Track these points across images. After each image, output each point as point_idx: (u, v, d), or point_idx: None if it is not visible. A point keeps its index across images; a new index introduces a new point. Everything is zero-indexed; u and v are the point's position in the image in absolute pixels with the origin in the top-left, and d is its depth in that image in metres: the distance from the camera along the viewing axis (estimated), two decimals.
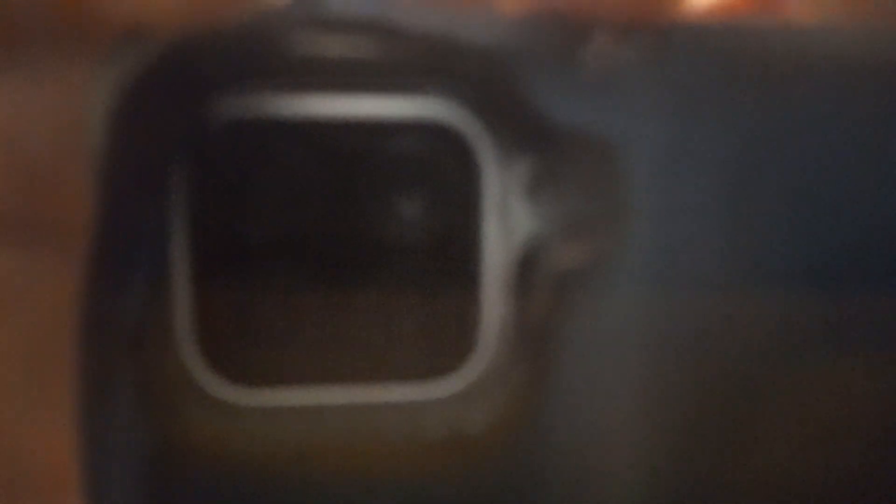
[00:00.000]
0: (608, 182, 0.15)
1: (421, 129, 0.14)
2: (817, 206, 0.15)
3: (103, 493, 0.14)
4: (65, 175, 0.14)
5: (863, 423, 0.16)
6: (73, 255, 0.13)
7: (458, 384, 0.15)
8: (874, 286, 0.15)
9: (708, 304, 0.15)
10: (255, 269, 0.14)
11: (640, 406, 0.15)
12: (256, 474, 0.14)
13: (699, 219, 0.15)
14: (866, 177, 0.15)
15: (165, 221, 0.14)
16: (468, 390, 0.15)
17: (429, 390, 0.15)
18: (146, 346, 0.14)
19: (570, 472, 0.15)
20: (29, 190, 0.14)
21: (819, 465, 0.16)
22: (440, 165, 0.14)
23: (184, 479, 0.14)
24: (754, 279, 0.15)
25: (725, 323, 0.15)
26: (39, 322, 0.14)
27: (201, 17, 0.13)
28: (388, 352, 0.15)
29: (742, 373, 0.15)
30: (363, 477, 0.15)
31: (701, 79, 0.15)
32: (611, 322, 0.15)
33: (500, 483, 0.15)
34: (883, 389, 0.16)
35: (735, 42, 0.15)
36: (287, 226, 0.14)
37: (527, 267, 0.15)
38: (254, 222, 0.14)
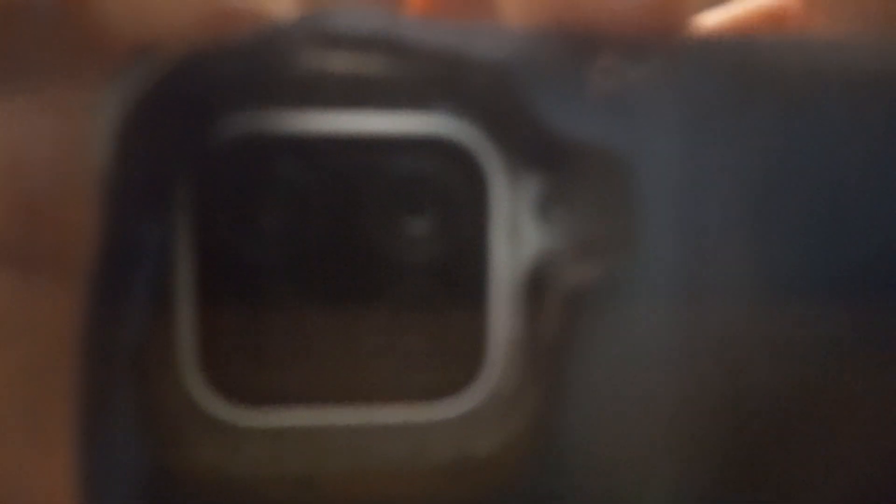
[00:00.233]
0: (618, 198, 0.15)
1: (428, 146, 0.14)
2: (836, 217, 0.15)
3: None
4: (67, 200, 0.14)
5: (893, 432, 0.16)
6: (75, 280, 0.13)
7: (466, 404, 0.15)
8: None
9: (730, 319, 0.15)
10: (260, 288, 0.14)
11: (661, 426, 0.15)
12: (259, 498, 0.14)
13: (717, 234, 0.15)
14: (884, 187, 0.15)
15: (169, 240, 0.14)
16: (476, 410, 0.15)
17: (436, 410, 0.15)
18: (148, 368, 0.14)
19: (585, 496, 0.15)
20: (30, 215, 0.14)
21: (849, 475, 0.16)
22: (448, 182, 0.14)
23: (184, 502, 0.14)
24: (776, 292, 0.15)
25: (748, 337, 0.15)
26: (40, 347, 0.14)
27: (206, 34, 0.13)
28: (395, 371, 0.15)
29: (767, 387, 0.15)
30: (368, 501, 0.15)
31: (712, 94, 0.15)
32: (629, 340, 0.15)
33: None
34: None
35: (746, 56, 0.15)
36: (292, 243, 0.14)
37: (536, 284, 0.15)
38: (258, 240, 0.14)
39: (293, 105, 0.14)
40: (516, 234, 0.14)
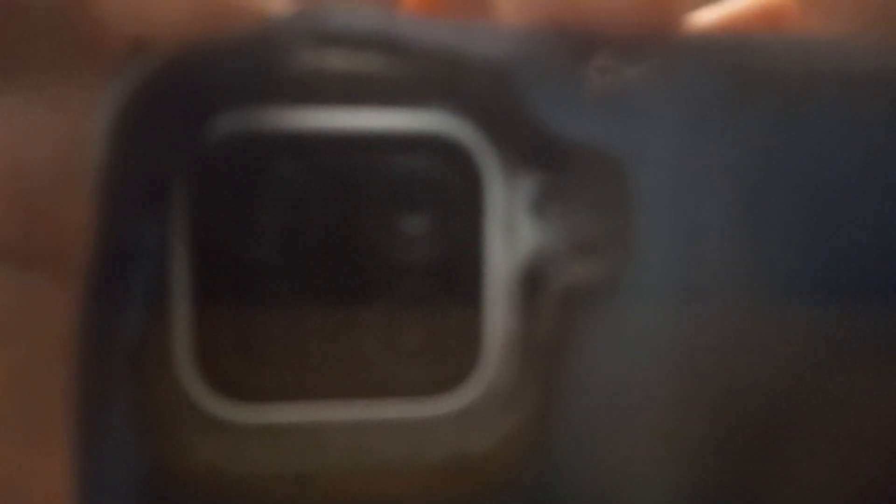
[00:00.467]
0: (615, 197, 0.15)
1: (425, 145, 0.14)
2: (835, 216, 0.15)
3: None
4: (65, 198, 0.14)
5: (893, 436, 0.16)
6: (73, 278, 0.13)
7: (462, 401, 0.15)
8: None
9: (727, 317, 0.15)
10: (256, 285, 0.14)
11: (659, 425, 0.15)
12: (257, 495, 0.14)
13: (714, 233, 0.15)
14: (882, 186, 0.15)
15: (165, 239, 0.14)
16: (472, 407, 0.15)
17: (432, 407, 0.15)
18: (145, 366, 0.14)
19: (582, 496, 0.15)
20: (29, 213, 0.14)
21: (848, 479, 0.16)
22: (444, 181, 0.14)
23: (182, 501, 0.14)
24: (773, 292, 0.15)
25: (745, 336, 0.15)
26: (38, 346, 0.14)
27: (203, 32, 0.13)
28: (391, 368, 0.15)
29: (765, 387, 0.15)
30: (365, 501, 0.15)
31: (709, 93, 0.15)
32: (625, 339, 0.15)
33: None
34: None
35: (744, 55, 0.15)
36: (289, 240, 0.14)
37: (532, 283, 0.15)
38: (254, 237, 0.14)
39: (290, 103, 0.14)
40: (513, 232, 0.14)
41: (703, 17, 0.21)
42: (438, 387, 0.15)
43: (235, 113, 0.14)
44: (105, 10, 0.13)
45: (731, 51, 0.15)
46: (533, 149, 0.14)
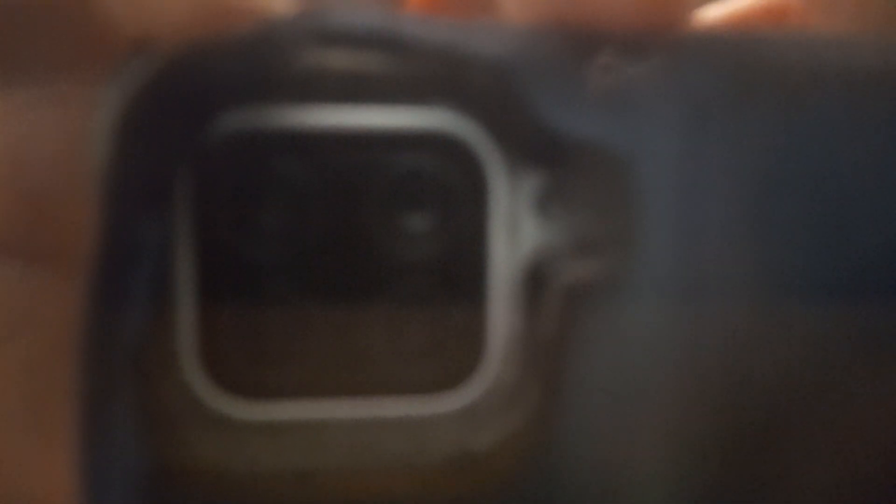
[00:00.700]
0: (618, 196, 0.15)
1: (428, 143, 0.14)
2: (837, 215, 0.15)
3: None
4: (68, 197, 0.14)
5: (893, 432, 0.16)
6: (78, 275, 0.13)
7: (465, 399, 0.15)
8: None
9: (729, 316, 0.15)
10: (260, 283, 0.14)
11: (661, 424, 0.15)
12: (260, 491, 0.14)
13: (717, 232, 0.15)
14: (884, 185, 0.15)
15: (168, 237, 0.14)
16: (475, 405, 0.15)
17: (435, 405, 0.15)
18: (148, 363, 0.14)
19: (584, 494, 0.15)
20: (32, 211, 0.14)
21: (850, 479, 0.16)
22: (447, 179, 0.14)
23: (186, 499, 0.14)
24: (775, 290, 0.15)
25: (749, 337, 0.15)
26: (43, 343, 0.14)
27: (205, 31, 0.13)
28: (394, 366, 0.15)
29: (766, 386, 0.15)
30: (368, 498, 0.15)
31: (712, 91, 0.15)
32: (628, 337, 0.15)
33: None
34: None
35: (746, 53, 0.15)
36: (292, 239, 0.14)
37: (535, 281, 0.15)
38: (258, 236, 0.14)
39: (292, 102, 0.14)
40: (515, 230, 0.14)
41: (706, 16, 0.21)
42: (441, 385, 0.15)
43: (238, 112, 0.14)
44: (108, 9, 0.13)
45: (734, 49, 0.15)
46: (536, 147, 0.14)
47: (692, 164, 0.15)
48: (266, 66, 0.14)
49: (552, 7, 0.14)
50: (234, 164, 0.14)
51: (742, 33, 0.16)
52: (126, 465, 0.14)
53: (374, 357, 0.14)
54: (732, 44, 0.15)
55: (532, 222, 0.14)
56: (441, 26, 0.14)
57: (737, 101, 0.15)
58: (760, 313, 0.15)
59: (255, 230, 0.14)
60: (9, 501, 0.14)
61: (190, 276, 0.14)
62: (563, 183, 0.14)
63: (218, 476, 0.14)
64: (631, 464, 0.15)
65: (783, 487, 0.16)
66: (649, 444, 0.15)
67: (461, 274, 0.15)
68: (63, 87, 0.13)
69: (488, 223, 0.14)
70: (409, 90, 0.14)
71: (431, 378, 0.15)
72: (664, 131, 0.15)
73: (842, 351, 0.15)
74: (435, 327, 0.15)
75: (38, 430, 0.14)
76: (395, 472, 0.15)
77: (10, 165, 0.14)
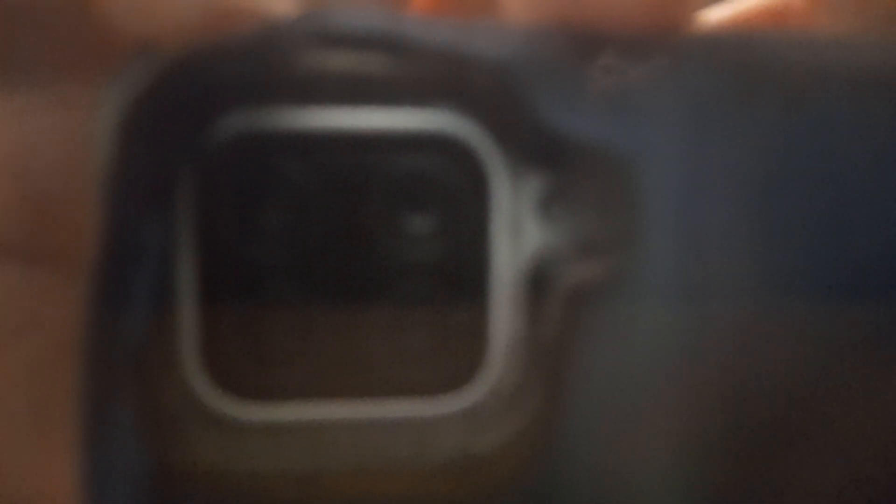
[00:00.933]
0: (620, 197, 0.15)
1: (430, 144, 0.14)
2: (839, 215, 0.15)
3: None
4: (71, 198, 0.14)
5: (894, 432, 0.16)
6: (80, 276, 0.13)
7: (467, 400, 0.15)
8: None
9: (731, 317, 0.15)
10: (262, 285, 0.14)
11: (663, 425, 0.15)
12: (262, 493, 0.14)
13: (719, 233, 0.15)
14: (887, 185, 0.15)
15: (170, 238, 0.14)
16: (477, 407, 0.15)
17: (437, 406, 0.15)
18: (149, 364, 0.14)
19: (587, 495, 0.15)
20: (35, 213, 0.14)
21: (856, 479, 0.16)
22: (450, 180, 0.14)
23: (187, 500, 0.14)
24: (778, 291, 0.15)
25: (752, 338, 0.15)
26: (45, 344, 0.14)
27: (208, 32, 0.13)
28: (397, 367, 0.15)
29: (768, 387, 0.15)
30: (369, 500, 0.15)
31: (714, 92, 0.15)
32: (630, 338, 0.15)
33: None
34: None
35: (749, 54, 0.15)
36: (295, 240, 0.14)
37: (537, 282, 0.15)
38: (260, 237, 0.14)
39: (295, 103, 0.14)
40: (518, 231, 0.14)
41: (709, 17, 0.21)
42: (443, 386, 0.15)
43: (240, 113, 0.14)
44: (111, 11, 0.13)
45: (736, 50, 0.15)
46: (538, 148, 0.14)
47: (694, 166, 0.15)
48: (268, 68, 0.14)
49: (554, 8, 0.14)
50: (237, 165, 0.14)
51: (744, 34, 0.16)
52: (128, 466, 0.14)
53: (375, 358, 0.14)
54: (734, 45, 0.15)
55: (534, 224, 0.14)
56: (443, 27, 0.14)
57: (739, 102, 0.15)
58: (763, 315, 0.15)
59: (258, 231, 0.14)
60: (11, 501, 0.14)
61: (192, 278, 0.14)
62: (566, 184, 0.14)
63: (219, 477, 0.14)
64: (633, 466, 0.15)
65: (787, 489, 0.16)
66: (652, 447, 0.15)
67: (463, 275, 0.14)
68: (65, 88, 0.13)
69: (490, 224, 0.14)
70: (411, 91, 0.14)
71: (434, 379, 0.15)
72: (666, 132, 0.15)
73: (846, 352, 0.15)
74: (437, 329, 0.15)
75: (41, 430, 0.14)
76: (396, 473, 0.15)
77: (12, 167, 0.14)
